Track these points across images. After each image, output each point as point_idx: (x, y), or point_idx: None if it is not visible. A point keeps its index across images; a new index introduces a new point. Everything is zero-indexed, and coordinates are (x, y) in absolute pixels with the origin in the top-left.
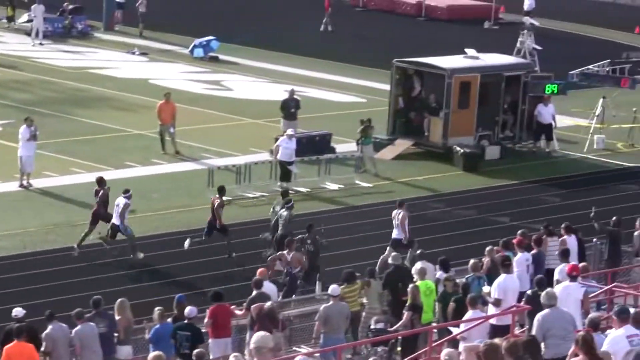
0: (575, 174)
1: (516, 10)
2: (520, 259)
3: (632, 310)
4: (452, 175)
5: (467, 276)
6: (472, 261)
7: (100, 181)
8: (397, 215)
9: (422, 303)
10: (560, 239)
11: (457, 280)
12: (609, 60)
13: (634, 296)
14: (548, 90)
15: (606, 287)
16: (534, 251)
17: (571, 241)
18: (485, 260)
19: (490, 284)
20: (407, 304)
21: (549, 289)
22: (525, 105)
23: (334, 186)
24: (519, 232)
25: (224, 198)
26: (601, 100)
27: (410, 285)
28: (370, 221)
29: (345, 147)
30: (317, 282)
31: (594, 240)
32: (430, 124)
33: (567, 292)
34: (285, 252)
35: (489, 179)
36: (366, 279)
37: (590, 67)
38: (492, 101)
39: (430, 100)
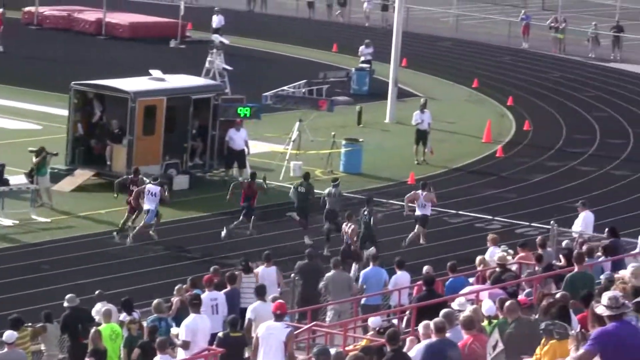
0: (271, 203)
1: (204, 27)
2: (205, 299)
3: (332, 350)
4: None
5: (149, 317)
6: (155, 301)
7: (137, 171)
8: (422, 195)
9: (105, 348)
10: (255, 270)
11: (144, 323)
12: (305, 80)
13: (330, 336)
14: (240, 114)
15: (306, 327)
16: (227, 289)
17: (270, 272)
18: (175, 300)
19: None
20: (89, 350)
21: None
22: (215, 131)
23: (7, 222)
24: (212, 268)
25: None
26: (297, 124)
27: (92, 330)
28: (49, 259)
29: (19, 178)
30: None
31: (292, 275)
32: (113, 152)
33: (270, 333)
34: (345, 224)
35: (178, 211)
36: (41, 324)
37: (285, 88)
38: (180, 126)
39: (112, 126)
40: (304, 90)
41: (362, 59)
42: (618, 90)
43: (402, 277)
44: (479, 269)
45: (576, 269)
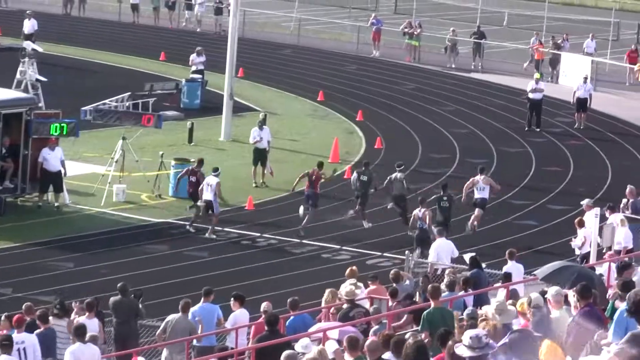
0: (92, 232)
1: (15, 33)
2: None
3: None
4: None
5: None
6: None
7: (201, 162)
8: (481, 179)
9: None
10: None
11: None
12: (129, 93)
13: None
14: (55, 131)
15: None
16: (40, 330)
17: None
18: None
19: None
20: None
21: None
22: (28, 150)
23: None
24: (24, 306)
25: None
26: (120, 142)
27: None
28: None
29: None
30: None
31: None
32: None
33: None
34: (418, 209)
35: None
36: None
37: (107, 101)
38: None
39: None
40: (127, 104)
41: (194, 68)
42: (480, 104)
43: (241, 314)
44: (324, 304)
45: (432, 304)
